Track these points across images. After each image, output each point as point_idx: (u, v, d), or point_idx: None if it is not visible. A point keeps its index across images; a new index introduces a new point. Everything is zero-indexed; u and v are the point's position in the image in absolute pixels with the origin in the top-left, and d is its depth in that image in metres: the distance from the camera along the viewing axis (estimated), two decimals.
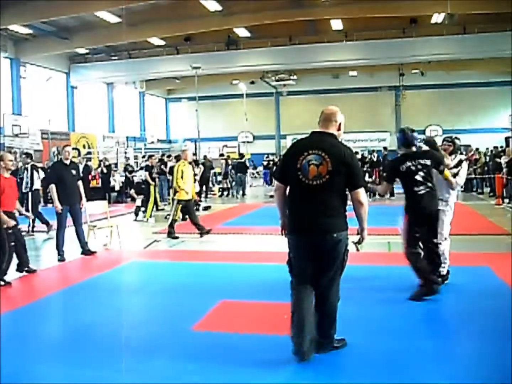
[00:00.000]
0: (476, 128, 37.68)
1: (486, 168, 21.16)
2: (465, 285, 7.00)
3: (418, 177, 6.33)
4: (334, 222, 4.47)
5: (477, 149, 23.01)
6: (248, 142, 38.63)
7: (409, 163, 6.36)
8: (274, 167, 31.49)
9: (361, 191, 4.52)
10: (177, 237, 11.83)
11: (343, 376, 4.37)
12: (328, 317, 4.63)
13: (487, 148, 25.39)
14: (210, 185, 24.07)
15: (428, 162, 6.40)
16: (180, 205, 11.95)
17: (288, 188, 4.67)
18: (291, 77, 35.15)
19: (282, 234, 4.80)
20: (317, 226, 4.47)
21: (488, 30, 26.49)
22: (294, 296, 4.61)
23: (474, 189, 22.22)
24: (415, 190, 6.33)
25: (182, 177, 11.72)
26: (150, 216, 15.25)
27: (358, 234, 4.72)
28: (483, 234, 11.27)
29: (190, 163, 12.74)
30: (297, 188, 4.56)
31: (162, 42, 29.68)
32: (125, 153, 32.04)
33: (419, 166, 6.35)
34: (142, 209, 15.70)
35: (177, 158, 16.24)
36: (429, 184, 6.36)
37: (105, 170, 21.19)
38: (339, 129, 4.79)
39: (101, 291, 7.19)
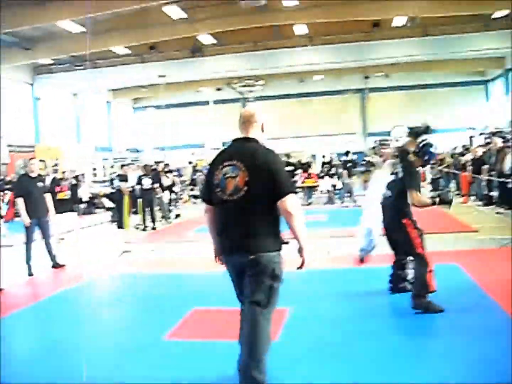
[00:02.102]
0: (441, 128, 38.14)
1: (452, 167, 21.45)
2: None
3: None
4: (255, 242, 3.85)
5: (446, 151, 23.37)
6: (216, 148, 38.52)
7: None
8: None
9: (289, 199, 3.82)
10: None
11: (320, 377, 4.38)
12: (253, 360, 3.86)
13: (455, 148, 25.78)
14: (180, 192, 23.95)
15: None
16: None
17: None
18: (258, 83, 35.23)
19: (222, 263, 4.24)
20: (238, 246, 3.91)
21: (449, 32, 27.02)
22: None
23: (441, 188, 22.51)
24: None
25: None
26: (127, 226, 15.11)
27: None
28: (450, 232, 11.45)
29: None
30: (219, 206, 4.01)
31: (127, 51, 29.50)
32: (93, 163, 31.72)
33: None
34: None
35: (144, 167, 16.17)
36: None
37: (73, 182, 20.92)
38: (262, 130, 4.21)
39: (72, 304, 7.12)
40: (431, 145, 6.13)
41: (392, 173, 6.45)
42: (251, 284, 3.91)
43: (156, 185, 15.36)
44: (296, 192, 4.03)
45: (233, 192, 3.86)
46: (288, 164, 16.72)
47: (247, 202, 3.85)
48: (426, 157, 6.09)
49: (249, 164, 3.88)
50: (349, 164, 19.73)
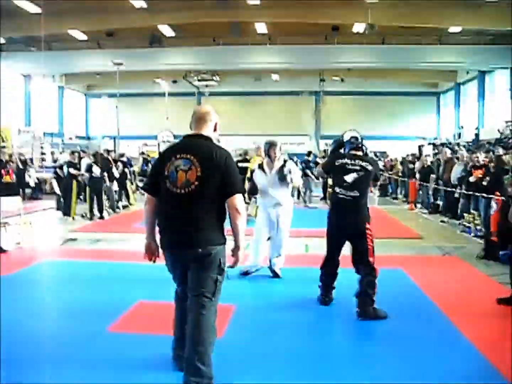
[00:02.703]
0: (392, 135, 38.95)
1: (401, 174, 21.85)
2: (378, 287, 7.18)
3: None
4: (204, 236, 3.94)
5: (396, 158, 23.81)
6: (168, 141, 38.15)
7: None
8: None
9: (238, 198, 3.94)
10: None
11: (265, 375, 4.37)
12: (198, 352, 3.93)
13: (407, 155, 26.28)
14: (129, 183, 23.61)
15: None
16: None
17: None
18: (214, 78, 35.15)
19: (150, 260, 4.26)
20: (185, 240, 3.97)
21: (406, 42, 27.58)
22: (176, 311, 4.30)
23: (389, 194, 22.92)
24: None
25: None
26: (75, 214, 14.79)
27: (232, 253, 4.08)
28: (396, 237, 11.63)
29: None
30: (166, 198, 4.03)
31: (84, 36, 28.90)
32: (41, 148, 30.94)
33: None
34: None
35: (94, 155, 15.86)
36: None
37: (20, 165, 20.40)
38: (215, 130, 4.25)
39: (12, 291, 6.89)
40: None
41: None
42: (200, 277, 3.98)
43: (105, 174, 15.10)
44: (243, 192, 4.14)
45: (183, 185, 3.91)
46: (246, 160, 16.70)
47: (197, 196, 3.91)
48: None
49: (203, 160, 3.93)
50: (311, 165, 19.81)
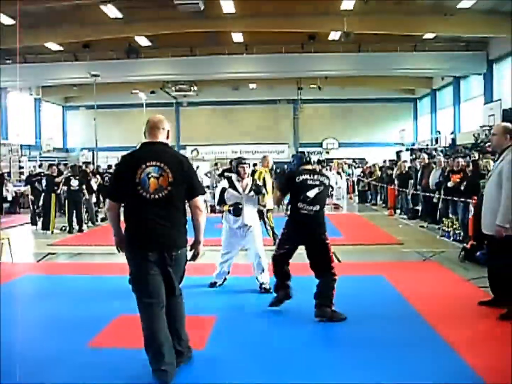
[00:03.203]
0: (369, 142, 39.21)
1: (380, 180, 22.00)
2: (360, 293, 7.23)
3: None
4: (177, 238, 4.37)
5: (374, 164, 23.94)
6: None
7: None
8: None
9: (200, 199, 4.45)
10: None
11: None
12: (183, 339, 4.66)
13: (385, 161, 26.48)
14: None
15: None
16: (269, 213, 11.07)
17: (124, 204, 4.42)
18: (192, 88, 35.12)
19: (118, 251, 4.69)
20: (161, 241, 4.28)
21: (381, 50, 27.84)
22: (144, 314, 4.46)
23: (369, 201, 23.06)
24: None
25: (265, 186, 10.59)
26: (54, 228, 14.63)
27: (192, 249, 4.57)
28: (377, 244, 11.70)
29: (270, 170, 11.95)
30: (136, 203, 4.28)
31: (60, 48, 28.70)
32: (19, 161, 30.66)
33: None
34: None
35: (72, 168, 15.74)
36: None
37: None
38: (167, 137, 4.53)
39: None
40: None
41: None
42: (177, 278, 4.47)
43: (83, 186, 14.98)
44: (204, 194, 4.60)
45: (156, 191, 4.22)
46: (231, 170, 16.65)
47: (169, 201, 4.27)
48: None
49: (173, 167, 4.28)
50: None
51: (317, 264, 6.14)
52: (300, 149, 40.95)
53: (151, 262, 4.28)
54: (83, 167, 17.46)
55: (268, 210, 10.96)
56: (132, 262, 4.42)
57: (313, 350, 5.13)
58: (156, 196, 4.22)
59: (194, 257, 4.56)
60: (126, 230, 4.41)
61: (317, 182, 6.09)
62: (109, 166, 19.35)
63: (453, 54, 27.73)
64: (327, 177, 6.36)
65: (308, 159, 6.47)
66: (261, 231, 7.73)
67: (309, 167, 6.36)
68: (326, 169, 28.26)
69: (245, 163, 7.44)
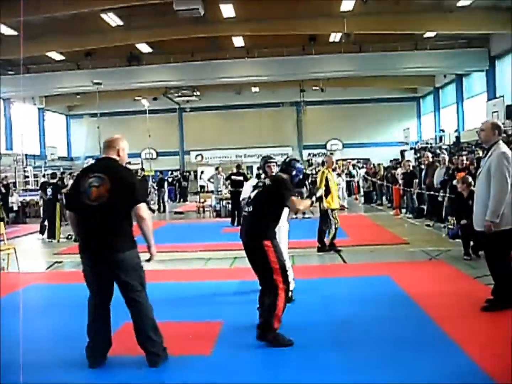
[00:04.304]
0: (373, 142, 39.18)
1: (384, 180, 21.97)
2: (366, 294, 7.21)
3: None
4: (116, 242, 4.69)
5: (379, 164, 23.88)
6: (151, 158, 38.17)
7: None
8: (177, 184, 31.34)
9: (141, 207, 4.71)
10: (339, 250, 10.79)
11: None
12: (144, 332, 4.91)
13: (391, 161, 26.42)
14: None
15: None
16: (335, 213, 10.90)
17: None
18: (194, 93, 35.19)
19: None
20: (102, 245, 4.71)
21: (382, 49, 27.84)
22: (88, 308, 5.04)
23: (374, 201, 23.01)
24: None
25: (327, 186, 10.58)
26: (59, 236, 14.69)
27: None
28: (382, 244, 11.67)
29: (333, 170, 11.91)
30: (82, 210, 4.78)
31: (62, 57, 28.82)
32: (24, 171, 30.77)
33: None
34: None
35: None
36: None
37: (3, 190, 20.25)
38: (119, 155, 4.99)
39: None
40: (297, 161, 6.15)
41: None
42: (123, 280, 4.81)
43: None
44: (147, 202, 4.83)
45: (97, 199, 4.63)
46: (240, 174, 16.69)
47: (109, 208, 4.65)
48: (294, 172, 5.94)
49: (112, 176, 4.70)
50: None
51: (257, 273, 5.65)
52: (304, 151, 41.02)
53: (95, 263, 4.78)
54: None
55: (333, 210, 10.85)
56: (82, 262, 4.92)
57: (320, 352, 5.10)
58: (96, 203, 4.63)
59: (148, 260, 4.92)
60: (77, 234, 5.08)
61: (261, 184, 5.85)
62: None
63: (455, 52, 27.71)
64: (273, 181, 5.78)
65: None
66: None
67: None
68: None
69: (271, 162, 7.10)
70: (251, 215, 5.62)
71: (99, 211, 4.66)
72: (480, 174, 6.30)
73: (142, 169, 24.86)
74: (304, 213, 16.41)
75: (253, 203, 5.67)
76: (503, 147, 6.12)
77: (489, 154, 6.15)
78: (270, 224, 5.57)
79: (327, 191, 10.62)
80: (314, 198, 6.11)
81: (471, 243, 9.42)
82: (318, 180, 11.01)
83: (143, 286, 4.93)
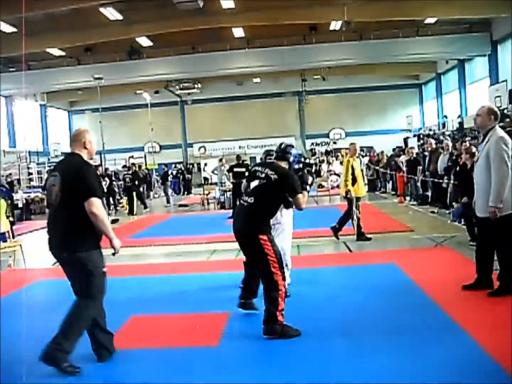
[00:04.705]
0: (377, 130, 39.11)
1: (388, 168, 21.91)
2: (372, 282, 7.21)
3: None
4: (71, 241, 4.60)
5: (382, 152, 23.81)
6: (154, 152, 38.20)
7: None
8: (181, 176, 31.37)
9: (93, 202, 4.50)
10: (370, 238, 10.76)
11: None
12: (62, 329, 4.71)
13: (393, 149, 26.35)
14: (118, 197, 23.54)
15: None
16: (359, 202, 10.90)
17: None
18: (196, 86, 35.15)
19: None
20: (58, 243, 4.67)
21: (382, 37, 27.71)
22: None
23: (378, 189, 22.98)
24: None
25: (353, 174, 10.65)
26: None
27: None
28: (387, 232, 11.66)
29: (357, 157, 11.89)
30: (50, 210, 4.89)
31: (62, 53, 28.80)
32: (28, 168, 30.82)
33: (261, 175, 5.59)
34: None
35: None
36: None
37: (7, 187, 20.28)
38: (85, 147, 4.83)
39: (6, 311, 6.83)
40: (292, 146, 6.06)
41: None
42: (73, 280, 4.77)
43: None
44: (100, 197, 4.65)
45: (55, 198, 4.64)
46: (242, 165, 16.66)
47: (64, 206, 4.60)
48: (291, 158, 5.86)
49: (65, 174, 4.65)
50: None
51: (254, 267, 5.66)
52: (307, 141, 40.98)
53: (58, 260, 4.81)
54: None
55: (357, 199, 10.84)
56: None
57: (329, 341, 5.10)
58: (55, 203, 4.66)
59: (113, 254, 4.84)
60: None
61: (263, 175, 5.53)
62: (95, 166, 19.10)
63: (457, 37, 27.58)
64: (278, 173, 5.50)
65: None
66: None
67: (268, 160, 6.25)
68: (333, 160, 28.24)
69: (272, 155, 6.80)
70: (251, 206, 5.45)
71: (56, 210, 4.68)
72: (478, 160, 6.29)
73: (133, 164, 24.75)
74: None
75: (255, 195, 5.51)
76: (500, 132, 6.13)
77: (486, 139, 6.13)
78: (267, 219, 5.52)
79: (354, 180, 10.65)
80: (308, 188, 5.99)
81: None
82: (344, 169, 10.98)
83: (90, 293, 4.71)
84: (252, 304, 6.06)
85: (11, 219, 15.86)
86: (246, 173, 10.10)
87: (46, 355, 4.50)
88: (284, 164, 5.80)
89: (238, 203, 5.77)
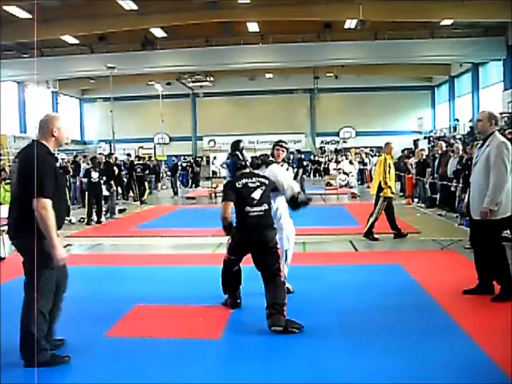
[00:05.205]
0: (387, 131, 38.93)
1: (396, 169, 21.80)
2: (376, 282, 7.20)
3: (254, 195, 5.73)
4: (16, 231, 4.54)
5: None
6: (164, 143, 38.24)
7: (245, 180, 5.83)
8: (190, 169, 31.42)
9: (40, 202, 4.32)
10: (376, 239, 10.76)
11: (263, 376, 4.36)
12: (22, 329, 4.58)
13: (402, 151, 26.28)
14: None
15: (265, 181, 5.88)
16: (385, 203, 10.84)
17: None
18: (208, 79, 35.17)
19: None
20: (9, 231, 4.67)
21: (397, 37, 27.59)
22: None
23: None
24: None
25: (389, 173, 10.65)
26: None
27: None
28: (394, 233, 11.61)
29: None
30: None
31: (76, 41, 28.87)
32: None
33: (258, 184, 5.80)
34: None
35: (92, 160, 15.84)
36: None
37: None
38: (53, 135, 4.64)
39: (8, 298, 6.86)
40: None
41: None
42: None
43: (103, 178, 15.08)
44: (48, 197, 4.36)
45: (12, 185, 4.81)
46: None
47: (16, 198, 4.59)
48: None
49: (21, 165, 4.56)
50: (305, 163, 19.82)
51: (265, 271, 5.64)
52: (317, 139, 40.88)
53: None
54: (106, 159, 17.52)
55: (387, 198, 10.83)
56: None
57: (330, 338, 5.11)
58: (12, 190, 4.86)
59: (51, 262, 4.52)
60: None
61: (258, 184, 5.74)
62: (108, 155, 19.11)
63: (471, 40, 27.43)
64: (265, 177, 5.90)
65: (243, 163, 6.07)
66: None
67: (247, 170, 6.04)
68: (343, 159, 28.16)
69: (280, 146, 6.90)
70: (267, 213, 5.70)
71: (12, 198, 4.77)
72: (477, 163, 6.31)
73: (129, 154, 24.79)
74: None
75: (266, 202, 5.72)
76: (500, 137, 6.23)
77: (486, 144, 6.19)
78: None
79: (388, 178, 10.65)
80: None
81: None
82: (380, 167, 10.86)
83: (37, 286, 4.50)
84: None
85: None
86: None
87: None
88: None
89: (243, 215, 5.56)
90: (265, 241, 5.60)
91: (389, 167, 10.68)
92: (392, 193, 11.00)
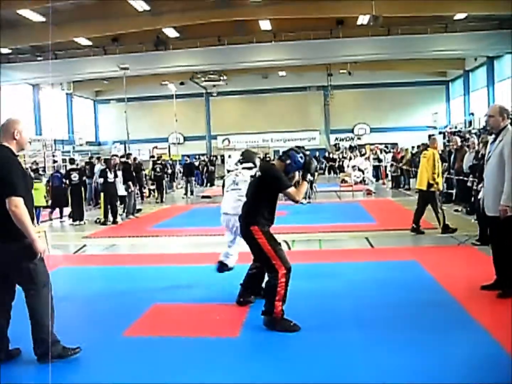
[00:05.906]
0: (401, 126, 38.80)
1: (412, 165, 21.70)
2: (393, 279, 7.18)
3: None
4: (3, 232, 4.48)
5: (406, 149, 23.63)
6: (178, 143, 38.35)
7: None
8: (205, 168, 31.47)
9: (12, 200, 4.39)
10: (455, 230, 10.83)
11: (279, 373, 4.36)
12: (33, 325, 4.71)
13: (413, 147, 26.13)
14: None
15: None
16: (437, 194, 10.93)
17: None
18: (221, 78, 35.18)
19: None
20: None
21: (410, 32, 27.40)
22: None
23: (402, 186, 22.81)
24: None
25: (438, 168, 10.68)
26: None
27: None
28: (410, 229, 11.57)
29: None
30: None
31: (89, 42, 29.01)
32: (53, 156, 31.15)
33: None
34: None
35: (106, 161, 15.92)
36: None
37: (32, 175, 20.49)
38: (15, 139, 4.65)
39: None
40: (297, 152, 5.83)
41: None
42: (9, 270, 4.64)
43: (118, 178, 15.15)
44: (21, 196, 4.44)
45: None
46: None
47: None
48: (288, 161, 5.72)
49: None
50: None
51: (255, 258, 5.94)
52: (332, 135, 40.81)
53: None
54: (124, 159, 17.62)
55: (440, 193, 10.94)
56: None
57: (347, 335, 5.10)
58: None
59: (34, 258, 4.59)
60: None
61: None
62: (126, 156, 19.22)
63: (486, 34, 27.11)
64: (262, 169, 5.93)
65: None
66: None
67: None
68: (356, 155, 28.04)
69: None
70: (245, 202, 5.86)
71: None
72: (490, 159, 6.23)
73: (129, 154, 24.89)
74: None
75: (248, 192, 5.93)
76: None
77: (499, 139, 6.11)
78: (261, 211, 5.60)
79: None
80: (310, 177, 6.07)
81: None
82: (429, 162, 10.77)
83: (32, 284, 4.69)
84: (250, 301, 6.21)
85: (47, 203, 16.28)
86: None
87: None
88: (279, 165, 5.80)
89: None
90: (240, 227, 5.95)
91: (437, 161, 10.64)
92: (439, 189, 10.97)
